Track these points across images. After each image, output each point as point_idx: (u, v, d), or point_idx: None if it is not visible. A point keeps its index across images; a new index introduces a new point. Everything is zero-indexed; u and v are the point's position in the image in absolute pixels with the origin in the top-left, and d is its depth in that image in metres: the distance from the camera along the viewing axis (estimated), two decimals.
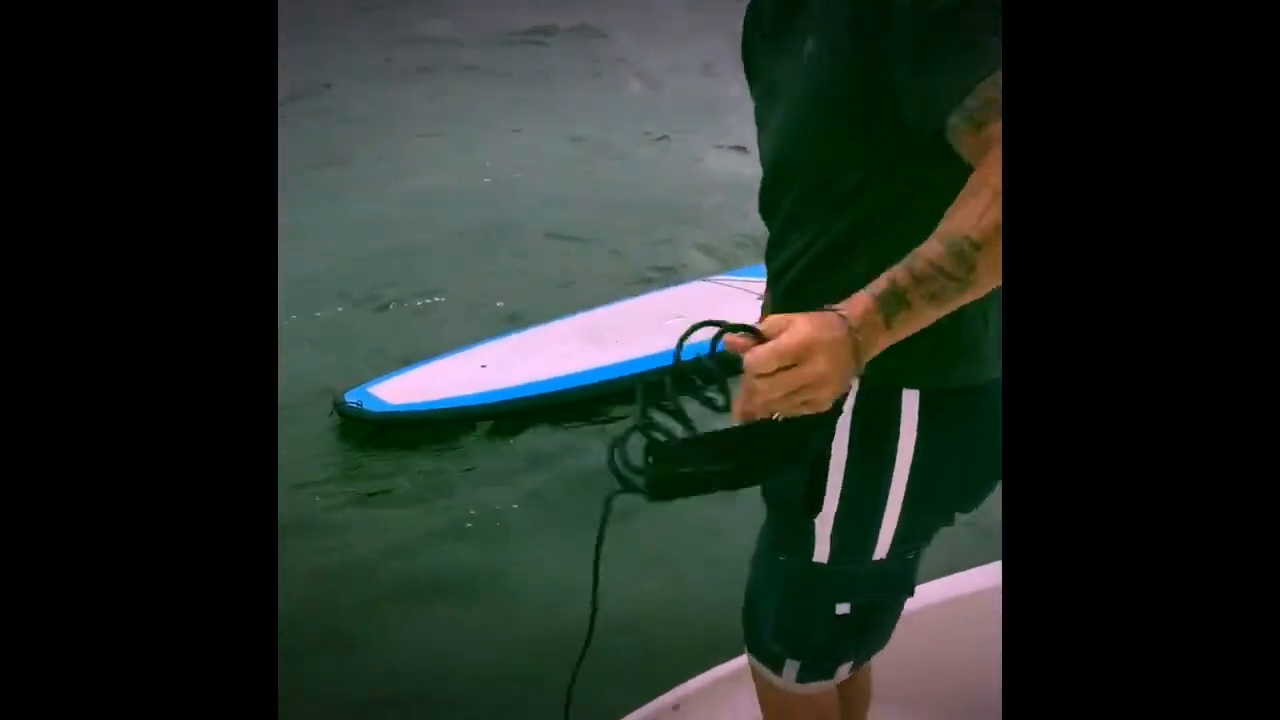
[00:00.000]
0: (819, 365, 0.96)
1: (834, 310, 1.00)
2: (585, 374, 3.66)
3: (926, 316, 1.01)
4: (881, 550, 1.37)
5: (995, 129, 0.98)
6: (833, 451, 1.30)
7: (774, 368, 0.96)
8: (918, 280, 0.99)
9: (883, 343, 1.02)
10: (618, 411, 3.50)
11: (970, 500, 1.40)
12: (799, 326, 0.97)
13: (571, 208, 6.05)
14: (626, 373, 3.60)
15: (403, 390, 3.52)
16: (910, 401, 1.27)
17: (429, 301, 4.78)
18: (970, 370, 1.30)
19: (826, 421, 1.22)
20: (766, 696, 1.62)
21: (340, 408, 3.39)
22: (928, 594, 1.64)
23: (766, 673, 1.56)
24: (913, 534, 1.37)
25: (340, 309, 4.71)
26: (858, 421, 1.29)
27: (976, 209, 0.98)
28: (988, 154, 0.99)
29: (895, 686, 1.89)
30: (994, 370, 1.31)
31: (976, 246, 0.98)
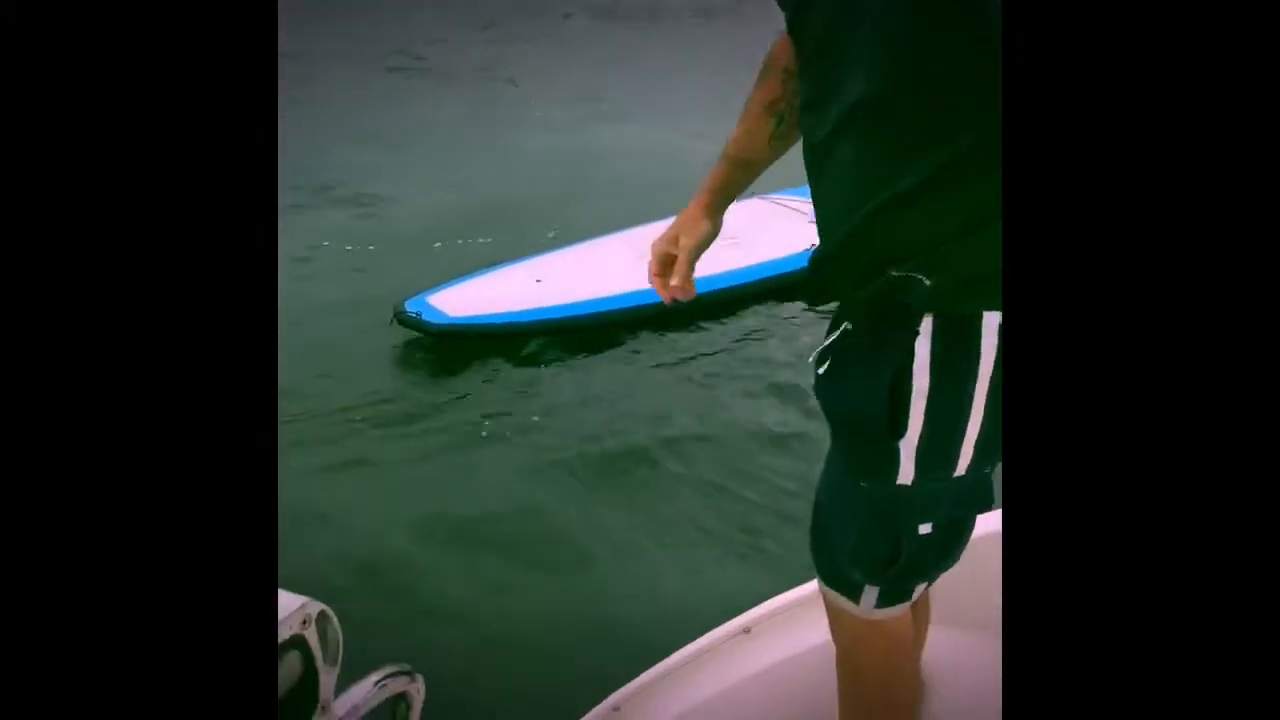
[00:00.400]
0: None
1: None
2: (637, 294, 3.62)
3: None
4: (962, 467, 1.39)
5: None
6: (914, 374, 1.33)
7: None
8: None
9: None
10: (656, 335, 3.46)
11: None
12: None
13: None
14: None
15: (460, 302, 3.50)
16: (990, 321, 1.28)
17: None
18: None
19: (904, 343, 1.32)
20: (842, 626, 1.62)
21: (400, 316, 3.40)
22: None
23: (843, 602, 1.56)
24: (992, 450, 1.39)
25: None
26: (939, 345, 1.31)
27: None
28: None
29: (952, 606, 1.91)
30: None
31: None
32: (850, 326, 1.42)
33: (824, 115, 1.35)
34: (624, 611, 2.95)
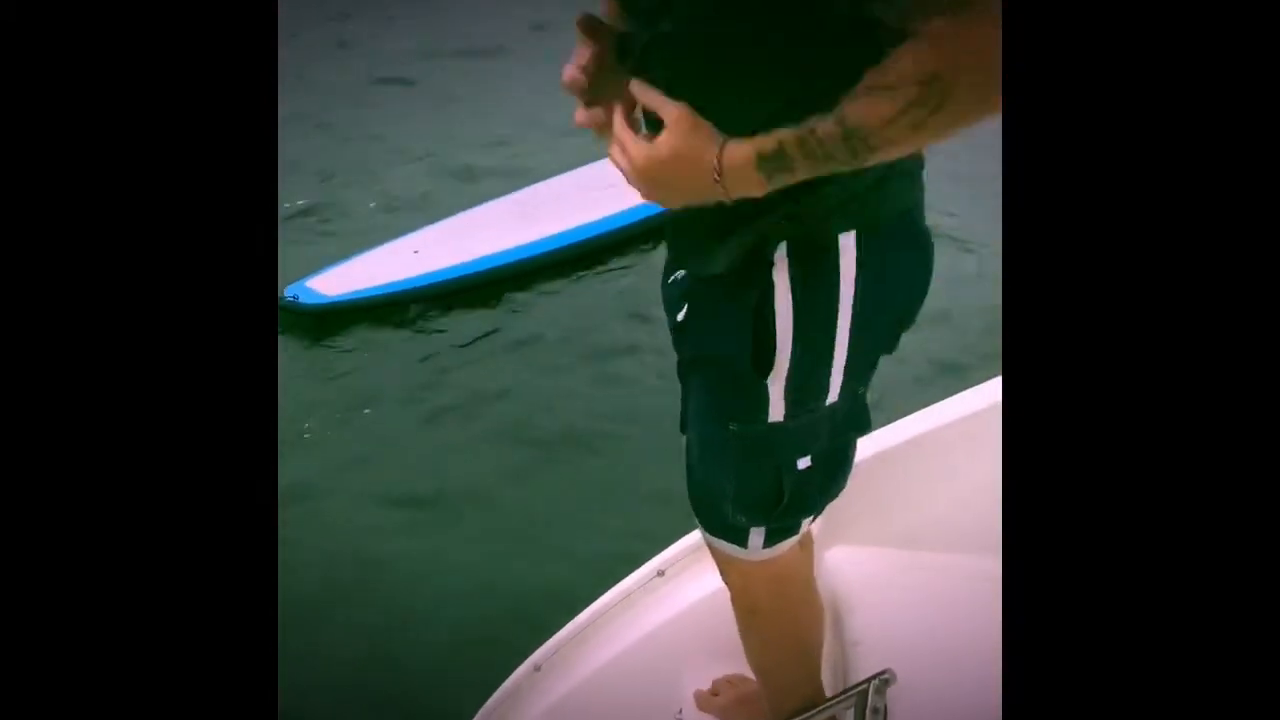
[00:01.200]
0: (671, 184, 1.18)
1: (722, 146, 1.12)
2: (515, 250, 3.62)
3: (804, 176, 1.11)
4: (834, 394, 1.35)
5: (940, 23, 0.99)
6: (775, 307, 1.27)
7: (640, 162, 1.17)
8: (806, 153, 1.07)
9: (754, 191, 1.13)
10: (549, 284, 3.41)
11: (910, 318, 1.41)
12: (676, 140, 1.13)
13: None
14: (557, 245, 3.54)
15: (339, 281, 3.51)
16: (847, 240, 1.25)
17: None
18: (902, 197, 1.30)
19: (761, 280, 1.26)
20: (732, 569, 1.58)
21: (280, 302, 3.37)
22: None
23: (729, 548, 1.51)
24: (862, 369, 1.36)
25: None
26: (798, 273, 1.26)
27: (888, 111, 1.03)
28: (931, 43, 1.00)
29: (845, 527, 1.94)
30: (919, 188, 1.33)
31: (871, 149, 1.05)
32: (705, 265, 1.35)
33: (632, 54, 1.26)
34: (545, 572, 2.95)
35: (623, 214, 3.69)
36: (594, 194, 3.75)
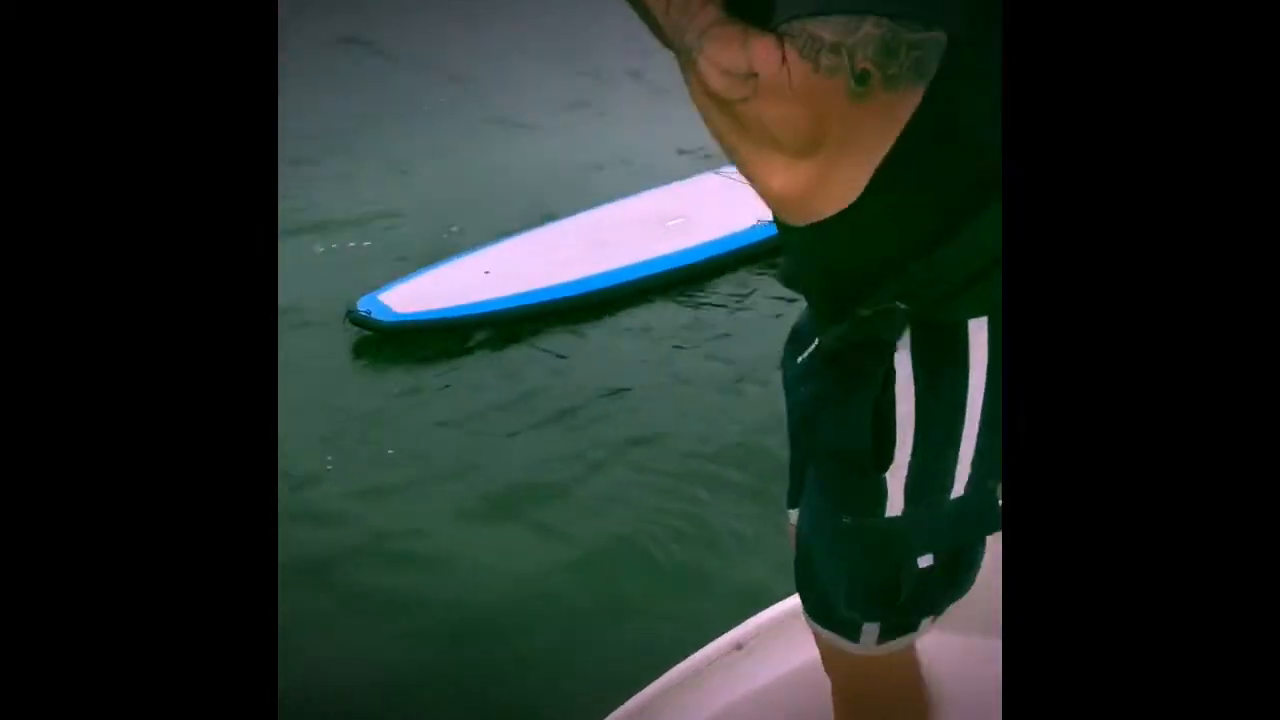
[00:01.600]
0: None
1: None
2: (590, 279, 3.65)
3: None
4: (960, 486, 1.24)
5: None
6: (898, 395, 1.18)
7: None
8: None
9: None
10: (623, 316, 3.46)
11: None
12: None
13: None
14: (630, 277, 3.57)
15: (411, 297, 3.55)
16: (978, 326, 1.15)
17: None
18: None
19: (880, 364, 1.17)
20: (838, 662, 1.46)
21: (352, 315, 3.45)
22: None
23: (839, 641, 1.40)
24: (992, 463, 1.24)
25: None
26: (922, 358, 1.16)
27: (723, 59, 0.96)
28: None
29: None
30: None
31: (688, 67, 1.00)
32: (821, 345, 1.28)
33: None
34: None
35: (703, 246, 3.72)
36: (664, 226, 3.77)
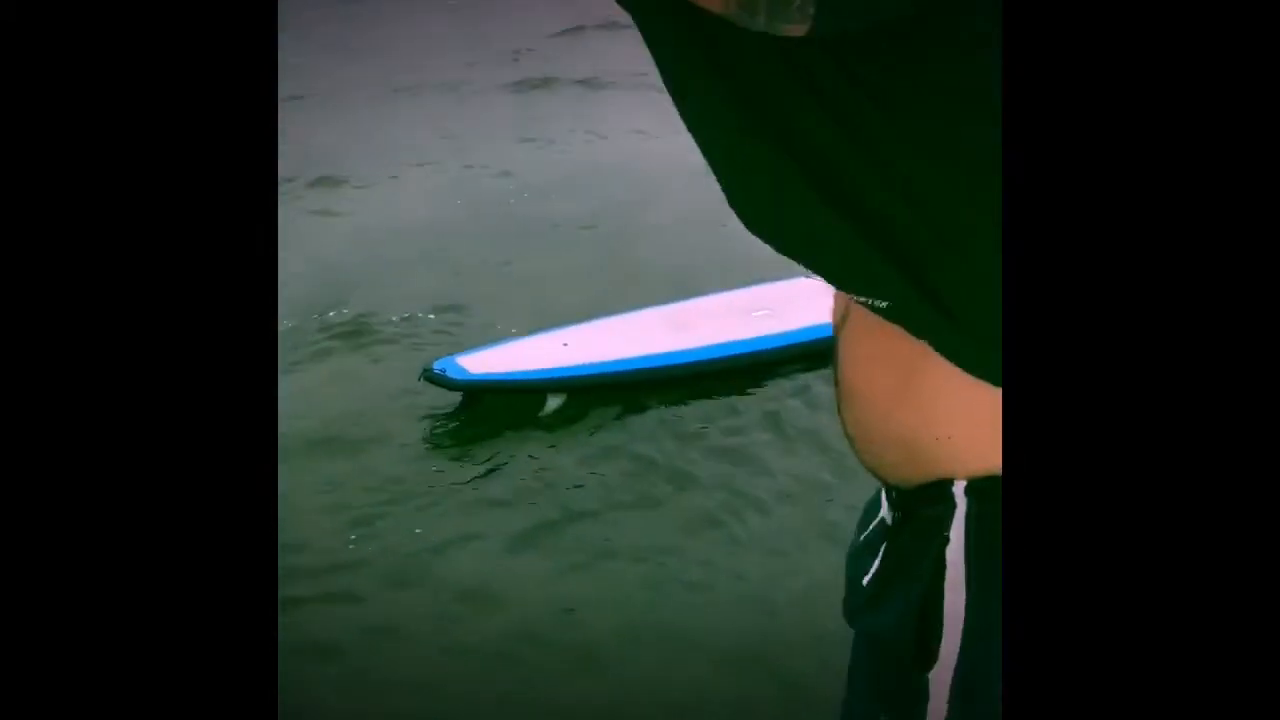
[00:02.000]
0: None
1: None
2: (662, 355, 3.71)
3: None
4: None
5: None
6: (946, 589, 1.06)
7: None
8: None
9: None
10: (691, 402, 3.47)
11: None
12: None
13: None
14: (705, 357, 3.63)
15: (487, 362, 3.64)
16: None
17: None
18: None
19: (934, 552, 1.06)
20: None
21: (427, 374, 3.53)
22: None
23: None
24: None
25: None
26: (975, 549, 1.05)
27: None
28: None
29: None
30: None
31: None
32: (889, 519, 1.18)
33: None
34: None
35: (776, 336, 3.77)
36: (748, 316, 3.83)
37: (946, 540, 1.07)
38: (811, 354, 3.62)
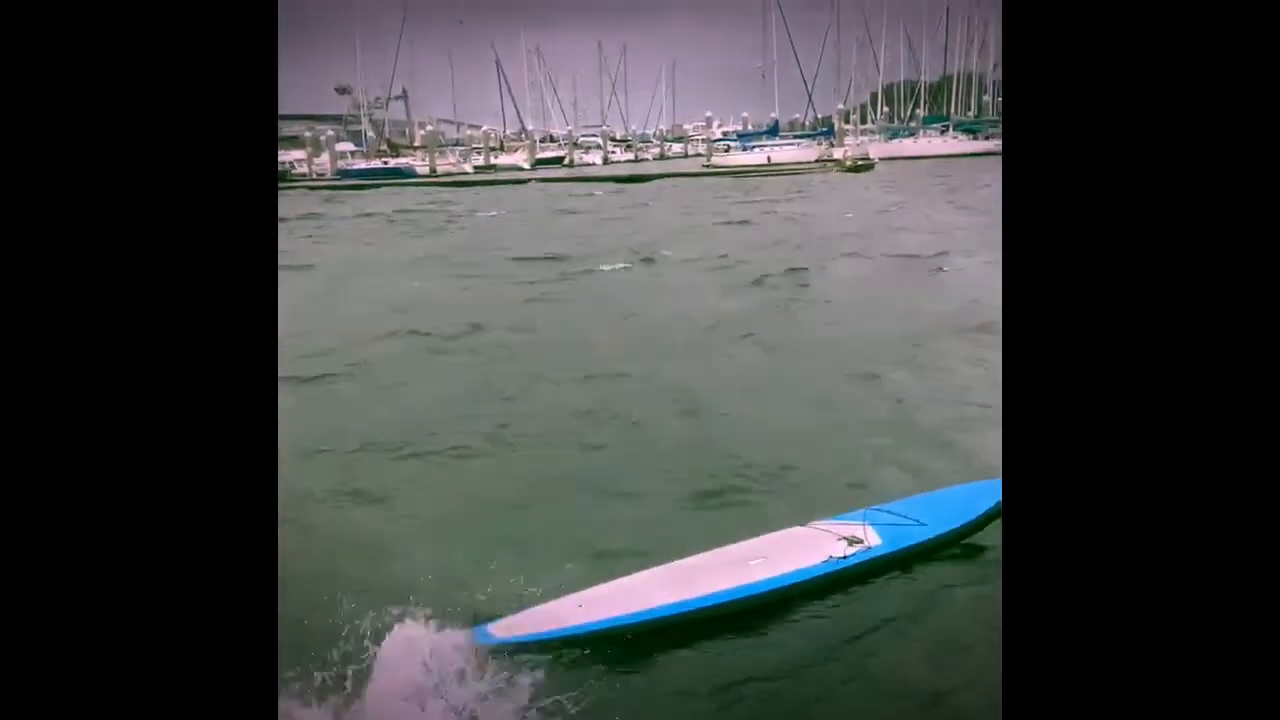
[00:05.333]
0: None
1: None
2: (668, 606, 4.11)
3: None
4: None
5: None
6: None
7: None
8: None
9: None
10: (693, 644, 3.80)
11: None
12: None
13: None
14: (705, 604, 3.99)
15: (513, 627, 4.06)
16: None
17: None
18: None
19: None
20: None
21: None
22: None
23: None
24: None
25: None
26: None
27: None
28: None
29: None
30: None
31: None
32: None
33: None
34: None
35: (774, 579, 4.10)
36: (742, 566, 4.17)
37: None
38: (805, 593, 4.05)
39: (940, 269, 11.38)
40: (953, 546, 4.08)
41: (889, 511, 4.24)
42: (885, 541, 4.06)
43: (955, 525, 4.12)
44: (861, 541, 4.04)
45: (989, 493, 4.00)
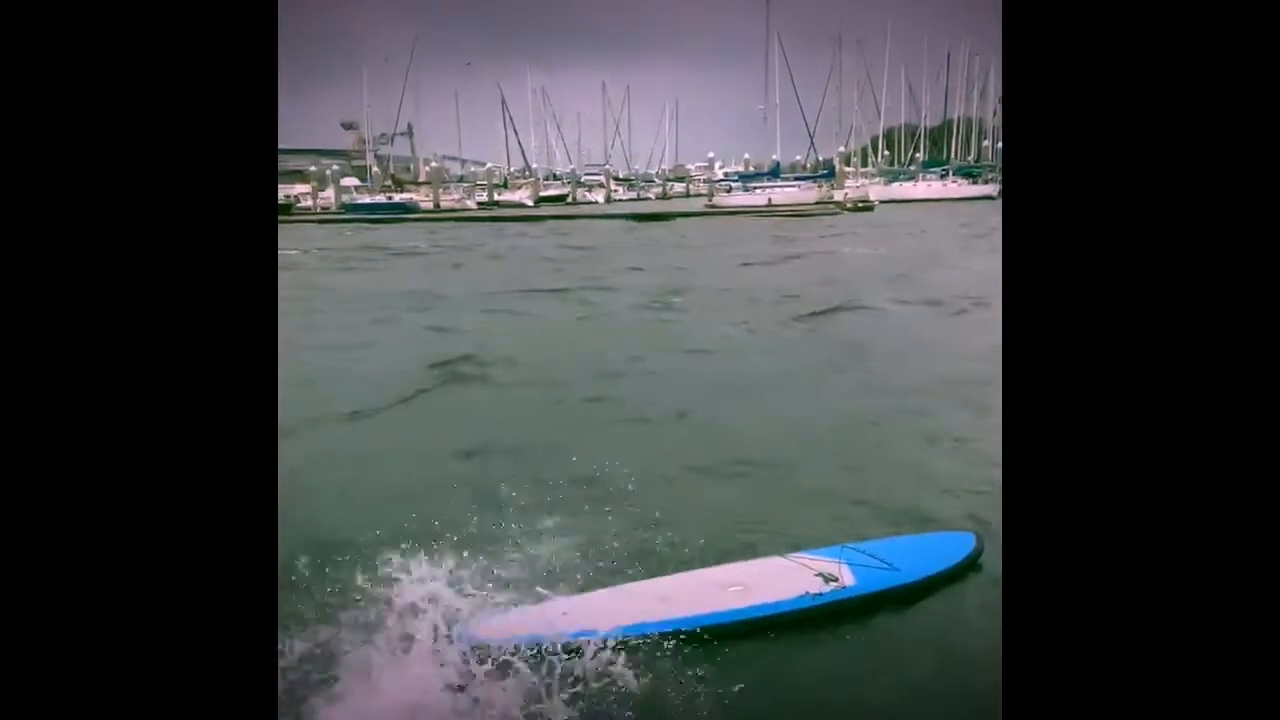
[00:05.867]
0: None
1: None
2: (645, 625, 4.31)
3: None
4: None
5: None
6: None
7: None
8: None
9: None
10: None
11: None
12: None
13: None
14: (681, 626, 4.20)
15: (498, 627, 4.22)
16: None
17: None
18: None
19: None
20: None
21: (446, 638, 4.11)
22: None
23: None
24: None
25: None
26: None
27: None
28: None
29: None
30: None
31: None
32: None
33: None
34: None
35: (750, 609, 4.35)
36: (728, 589, 4.40)
37: None
38: (777, 624, 4.22)
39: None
40: (924, 596, 4.14)
41: (862, 552, 4.30)
42: (858, 583, 4.14)
43: (926, 573, 4.16)
44: (837, 580, 4.13)
45: (963, 544, 4.07)
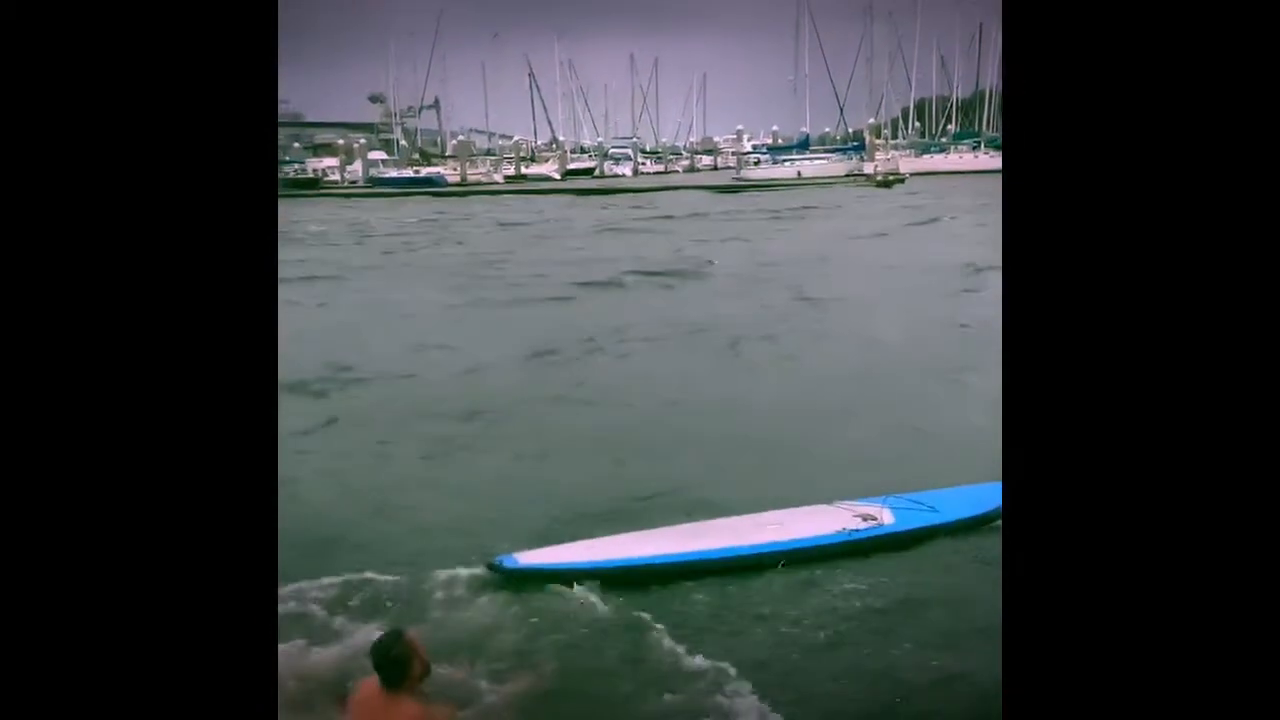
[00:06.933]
0: None
1: None
2: (679, 555, 4.47)
3: None
4: None
5: None
6: None
7: None
8: None
9: None
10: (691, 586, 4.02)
11: None
12: None
13: None
14: (718, 555, 4.34)
15: (538, 557, 4.45)
16: None
17: None
18: None
19: None
20: None
21: (489, 564, 4.31)
22: None
23: None
24: None
25: None
26: None
27: None
28: None
29: None
30: None
31: None
32: None
33: None
34: None
35: (789, 542, 4.51)
36: (766, 525, 4.55)
37: None
38: (813, 557, 4.34)
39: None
40: (960, 531, 4.34)
41: (908, 499, 4.55)
42: (898, 522, 4.37)
43: (965, 515, 4.43)
44: (876, 519, 4.33)
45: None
